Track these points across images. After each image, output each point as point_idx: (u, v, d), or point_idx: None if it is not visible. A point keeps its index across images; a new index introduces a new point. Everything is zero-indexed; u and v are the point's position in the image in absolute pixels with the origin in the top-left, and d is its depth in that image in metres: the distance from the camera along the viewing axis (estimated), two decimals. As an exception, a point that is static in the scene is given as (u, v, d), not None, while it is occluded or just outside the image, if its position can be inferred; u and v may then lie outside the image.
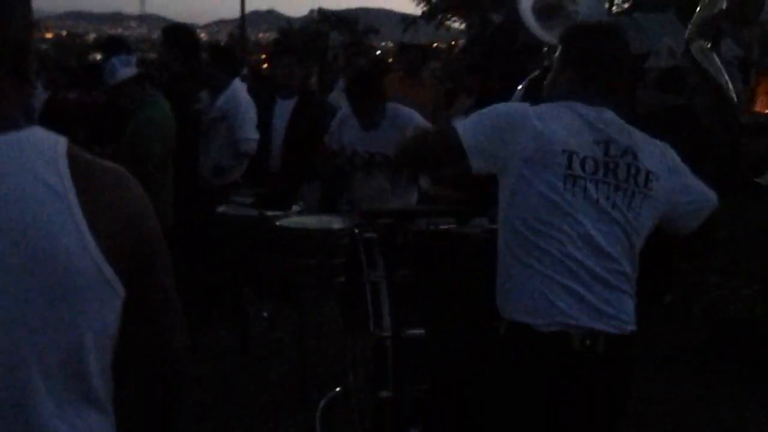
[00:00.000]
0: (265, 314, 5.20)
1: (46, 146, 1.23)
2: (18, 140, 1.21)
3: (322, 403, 3.65)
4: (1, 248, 1.15)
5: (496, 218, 2.61)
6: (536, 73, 5.46)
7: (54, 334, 1.19)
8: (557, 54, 2.70)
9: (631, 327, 2.44)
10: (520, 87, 5.33)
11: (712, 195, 2.63)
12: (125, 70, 4.83)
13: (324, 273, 4.10)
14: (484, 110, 2.59)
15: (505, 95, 5.10)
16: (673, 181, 2.57)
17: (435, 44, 23.00)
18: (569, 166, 2.43)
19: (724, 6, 6.07)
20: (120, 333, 1.31)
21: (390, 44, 39.17)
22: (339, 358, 4.12)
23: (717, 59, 6.25)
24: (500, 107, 2.63)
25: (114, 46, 6.12)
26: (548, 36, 5.78)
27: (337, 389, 3.66)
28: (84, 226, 1.20)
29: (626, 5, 24.45)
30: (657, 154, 2.58)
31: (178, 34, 5.76)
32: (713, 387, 4.84)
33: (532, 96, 5.16)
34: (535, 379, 2.41)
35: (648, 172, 2.52)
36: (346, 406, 3.39)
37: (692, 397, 4.73)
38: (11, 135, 1.21)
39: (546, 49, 5.81)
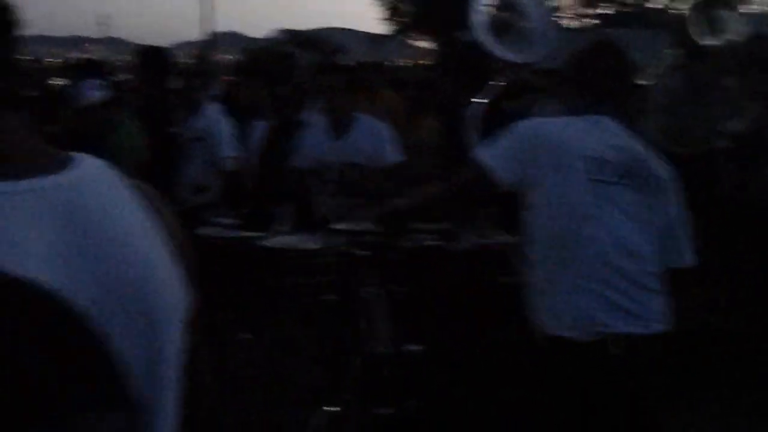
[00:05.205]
0: (249, 336, 5.14)
1: (110, 173, 1.10)
2: (90, 174, 1.06)
3: (314, 421, 3.61)
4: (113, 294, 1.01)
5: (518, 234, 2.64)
6: (498, 89, 5.50)
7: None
8: (567, 72, 2.77)
9: (664, 326, 2.52)
10: (479, 103, 5.36)
11: (690, 255, 2.69)
12: (93, 93, 4.78)
13: (309, 292, 4.08)
14: (502, 132, 2.66)
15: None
16: (676, 204, 2.64)
17: (403, 63, 23.19)
18: (592, 171, 2.49)
19: None
20: None
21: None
22: (323, 380, 4.10)
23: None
24: (517, 126, 2.68)
25: (85, 69, 6.08)
26: (502, 52, 5.82)
27: (332, 408, 3.63)
28: (167, 253, 1.10)
29: (596, 22, 24.84)
30: (666, 169, 2.67)
31: (153, 56, 5.74)
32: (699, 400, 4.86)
33: (496, 112, 5.24)
34: (577, 387, 2.45)
35: (662, 178, 2.62)
36: (340, 425, 3.37)
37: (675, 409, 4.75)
38: (80, 170, 1.06)
39: (501, 65, 5.86)
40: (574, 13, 27.85)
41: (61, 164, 1.04)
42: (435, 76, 9.44)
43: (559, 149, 2.51)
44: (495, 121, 3.24)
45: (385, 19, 33.14)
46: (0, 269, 0.76)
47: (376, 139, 4.76)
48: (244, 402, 4.66)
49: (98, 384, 0.77)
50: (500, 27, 6.03)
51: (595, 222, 2.45)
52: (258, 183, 6.08)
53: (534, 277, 2.57)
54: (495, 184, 2.54)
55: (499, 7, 5.86)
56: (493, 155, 2.57)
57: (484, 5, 5.63)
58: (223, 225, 4.64)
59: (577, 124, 2.59)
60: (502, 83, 5.76)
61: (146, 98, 5.69)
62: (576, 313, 2.44)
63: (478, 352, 2.68)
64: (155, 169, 4.94)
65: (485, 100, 5.59)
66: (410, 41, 33.20)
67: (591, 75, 2.68)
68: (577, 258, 2.44)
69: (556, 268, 2.48)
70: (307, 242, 4.38)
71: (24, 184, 0.98)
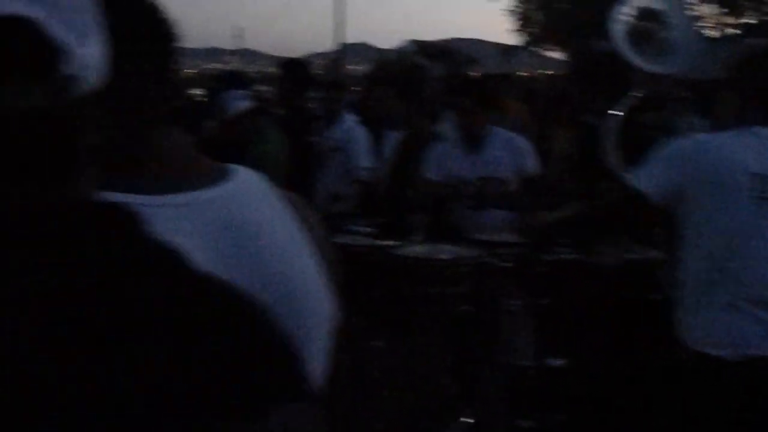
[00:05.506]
0: (382, 344, 5.20)
1: (264, 185, 1.11)
2: (245, 186, 1.08)
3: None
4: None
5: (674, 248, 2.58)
6: (636, 101, 5.35)
7: None
8: (728, 82, 2.67)
9: None
10: (616, 115, 5.22)
11: None
12: (240, 103, 4.96)
13: (444, 302, 4.10)
14: (657, 153, 2.59)
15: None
16: None
17: (534, 73, 23.04)
18: (756, 188, 2.40)
19: None
20: None
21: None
22: (453, 389, 4.09)
23: None
24: (672, 146, 2.63)
25: (227, 80, 6.31)
26: (642, 62, 5.66)
27: (468, 419, 3.64)
28: (317, 265, 1.11)
29: (738, 31, 23.92)
30: None
31: (295, 68, 5.93)
32: None
33: (634, 124, 5.10)
34: (721, 407, 2.37)
35: None
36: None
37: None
38: (236, 182, 1.07)
39: (639, 76, 5.70)
40: (716, 22, 26.84)
41: (218, 177, 1.06)
42: (567, 86, 9.31)
43: (719, 166, 2.44)
44: (632, 134, 3.16)
45: (516, 30, 32.89)
46: (209, 274, 0.80)
47: (513, 151, 4.75)
48: (377, 410, 4.71)
49: (292, 376, 0.80)
50: (640, 36, 5.88)
51: (755, 241, 2.37)
52: (392, 193, 6.16)
53: (685, 292, 2.50)
54: (647, 204, 2.49)
55: (638, 16, 5.73)
56: (645, 176, 2.52)
57: (624, 14, 5.51)
58: (358, 233, 4.73)
59: (738, 139, 2.49)
60: (640, 94, 5.63)
61: (287, 108, 5.88)
62: (727, 332, 2.38)
63: (621, 367, 2.63)
64: (294, 178, 5.08)
65: (622, 112, 5.47)
66: (542, 51, 32.81)
67: (763, 83, 2.57)
68: (733, 277, 2.37)
69: (710, 285, 2.41)
70: (442, 252, 4.41)
71: (185, 197, 1.00)
